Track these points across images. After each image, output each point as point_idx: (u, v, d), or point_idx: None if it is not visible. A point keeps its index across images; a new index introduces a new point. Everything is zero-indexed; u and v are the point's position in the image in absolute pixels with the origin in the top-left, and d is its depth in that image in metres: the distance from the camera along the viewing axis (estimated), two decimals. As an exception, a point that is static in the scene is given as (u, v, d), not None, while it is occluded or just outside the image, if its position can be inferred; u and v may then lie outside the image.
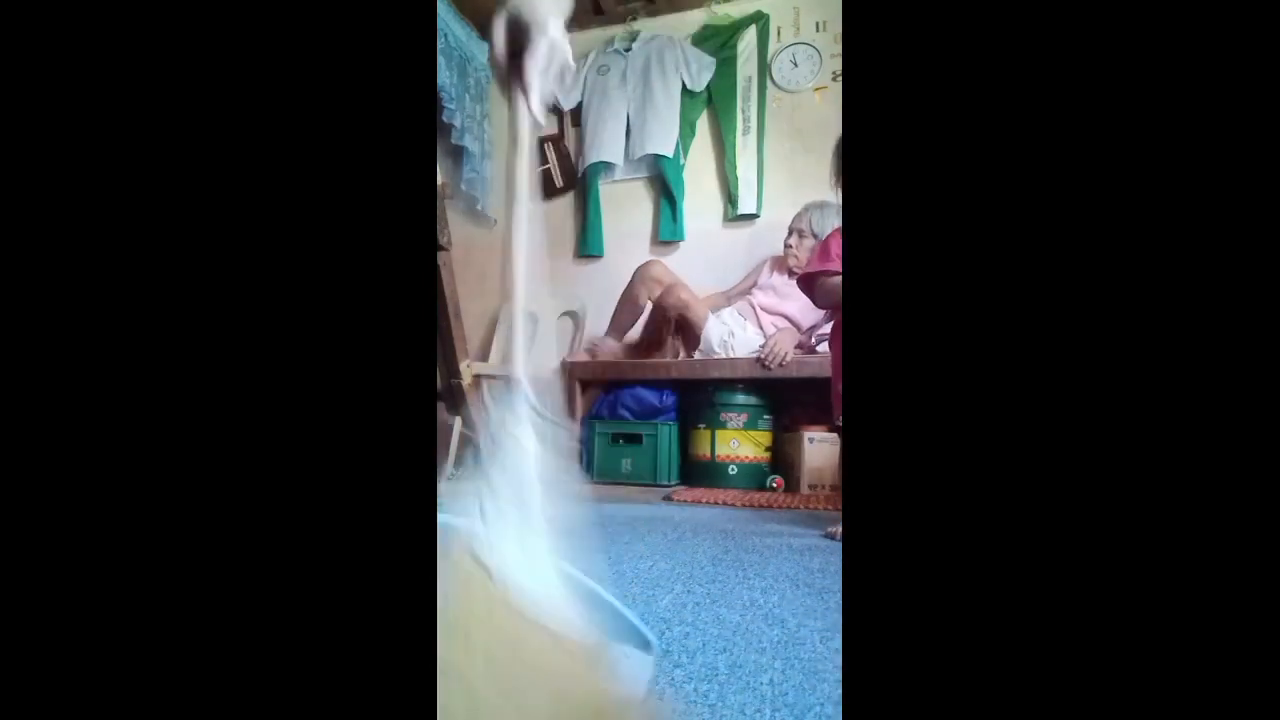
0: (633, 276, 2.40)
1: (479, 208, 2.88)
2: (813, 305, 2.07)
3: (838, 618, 0.64)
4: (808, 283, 1.28)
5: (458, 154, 2.84)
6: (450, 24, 2.65)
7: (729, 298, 2.44)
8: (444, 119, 2.76)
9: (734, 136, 2.64)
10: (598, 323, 2.64)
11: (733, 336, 2.21)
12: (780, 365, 2.07)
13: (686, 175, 2.71)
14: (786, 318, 2.22)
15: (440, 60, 2.56)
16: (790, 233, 2.26)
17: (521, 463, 0.42)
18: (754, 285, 2.40)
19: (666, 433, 2.23)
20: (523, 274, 0.48)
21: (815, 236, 2.15)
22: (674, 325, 2.29)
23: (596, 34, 2.85)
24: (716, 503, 1.72)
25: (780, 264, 2.34)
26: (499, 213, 2.94)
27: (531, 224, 0.50)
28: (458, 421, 2.32)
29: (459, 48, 2.74)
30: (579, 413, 2.34)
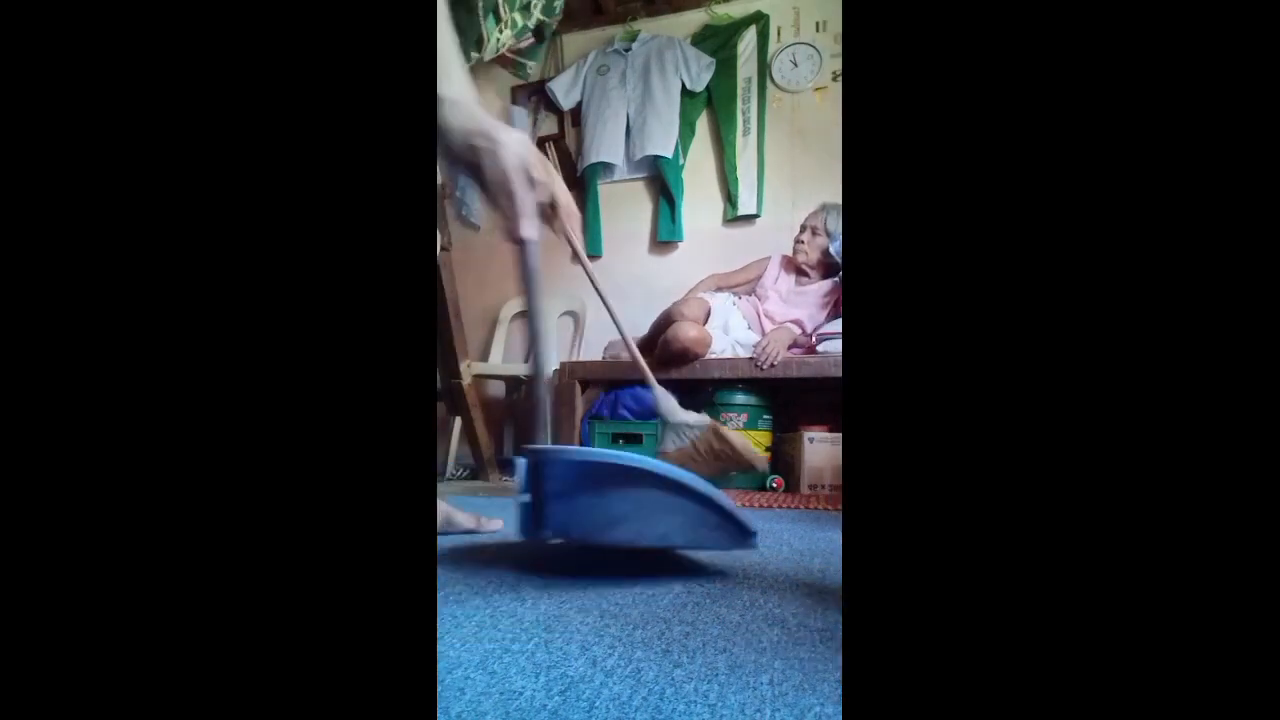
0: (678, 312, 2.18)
1: (464, 213, 2.89)
2: (816, 312, 2.04)
3: (838, 618, 0.64)
4: None
5: (454, 156, 2.85)
6: (450, 24, 2.66)
7: (729, 280, 2.42)
8: (443, 120, 2.76)
9: (734, 137, 2.64)
10: (597, 322, 2.63)
11: (739, 346, 2.21)
12: (771, 365, 2.05)
13: (686, 175, 2.71)
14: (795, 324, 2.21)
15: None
16: (803, 229, 2.25)
17: None
18: (758, 278, 2.38)
19: (667, 432, 2.22)
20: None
21: (829, 235, 2.14)
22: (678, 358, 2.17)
23: (596, 34, 2.85)
24: (716, 503, 1.71)
25: (789, 263, 2.33)
26: (484, 218, 2.94)
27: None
28: (457, 421, 2.32)
29: (458, 48, 2.74)
30: (579, 413, 2.33)
